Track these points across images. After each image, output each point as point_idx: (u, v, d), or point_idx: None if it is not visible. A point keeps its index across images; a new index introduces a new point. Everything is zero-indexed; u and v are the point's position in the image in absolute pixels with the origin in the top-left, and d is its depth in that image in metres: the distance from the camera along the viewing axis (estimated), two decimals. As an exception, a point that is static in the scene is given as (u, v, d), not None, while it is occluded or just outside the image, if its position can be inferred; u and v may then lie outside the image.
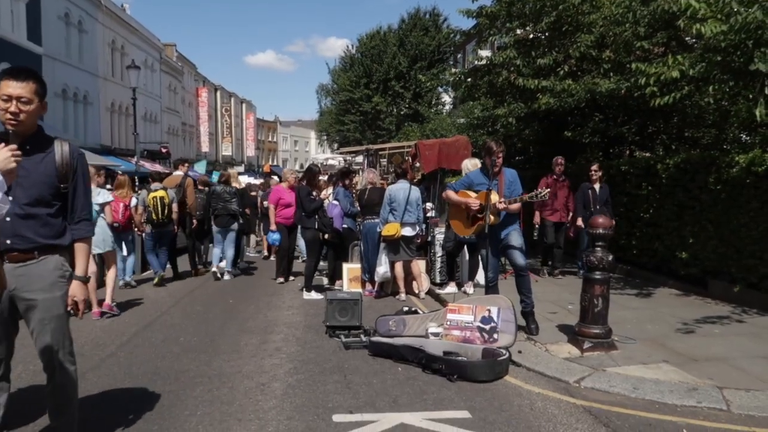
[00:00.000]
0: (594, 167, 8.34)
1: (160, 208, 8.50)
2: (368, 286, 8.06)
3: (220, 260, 9.70)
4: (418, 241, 8.00)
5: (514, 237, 5.35)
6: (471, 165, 7.58)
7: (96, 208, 6.63)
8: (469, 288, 7.56)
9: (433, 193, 10.43)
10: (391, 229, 7.50)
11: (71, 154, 2.82)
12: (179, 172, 10.03)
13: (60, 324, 2.82)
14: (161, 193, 8.57)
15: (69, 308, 2.81)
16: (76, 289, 2.82)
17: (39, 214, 2.73)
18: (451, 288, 7.62)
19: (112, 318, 6.52)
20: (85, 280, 2.87)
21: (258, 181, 21.21)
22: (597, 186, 8.29)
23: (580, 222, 8.32)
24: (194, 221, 9.79)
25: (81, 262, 2.88)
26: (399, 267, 7.62)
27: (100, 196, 6.89)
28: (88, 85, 24.64)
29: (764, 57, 5.66)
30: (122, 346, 5.37)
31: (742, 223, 6.45)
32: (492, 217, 5.19)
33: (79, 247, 2.88)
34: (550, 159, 11.37)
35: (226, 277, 9.48)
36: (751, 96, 6.25)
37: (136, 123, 23.09)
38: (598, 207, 8.03)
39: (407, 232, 7.53)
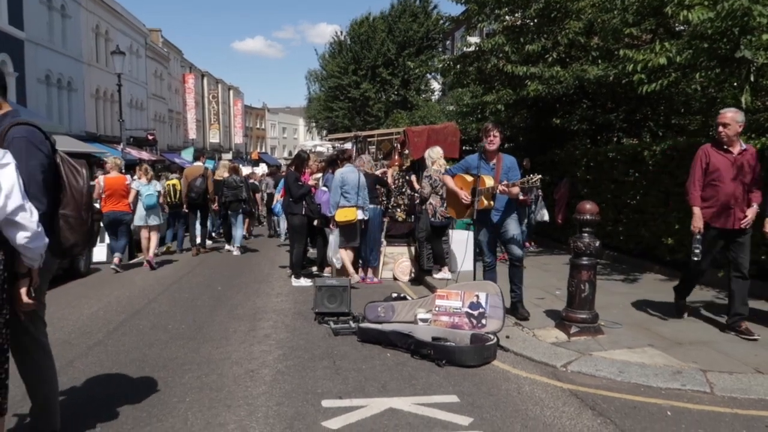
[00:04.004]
0: None
1: (173, 194, 10.73)
2: (362, 273, 7.97)
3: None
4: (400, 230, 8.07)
5: (512, 226, 5.43)
6: (434, 153, 7.69)
7: (156, 194, 9.59)
8: (436, 273, 7.59)
9: (421, 179, 10.39)
10: (349, 214, 7.43)
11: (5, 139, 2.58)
12: (199, 163, 11.46)
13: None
14: (174, 181, 10.92)
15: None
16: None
17: None
18: (442, 274, 7.61)
19: (104, 304, 6.53)
20: (20, 275, 2.57)
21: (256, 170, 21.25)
22: None
23: None
24: (215, 206, 11.48)
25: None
26: (351, 252, 7.68)
27: (159, 185, 9.93)
28: (72, 71, 24.23)
29: (750, 44, 5.70)
30: (110, 333, 5.34)
31: (727, 209, 6.47)
32: (486, 201, 5.23)
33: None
34: (539, 146, 11.10)
35: (237, 252, 11.08)
36: (736, 83, 6.30)
37: (121, 109, 22.84)
38: None
39: (360, 215, 7.57)
